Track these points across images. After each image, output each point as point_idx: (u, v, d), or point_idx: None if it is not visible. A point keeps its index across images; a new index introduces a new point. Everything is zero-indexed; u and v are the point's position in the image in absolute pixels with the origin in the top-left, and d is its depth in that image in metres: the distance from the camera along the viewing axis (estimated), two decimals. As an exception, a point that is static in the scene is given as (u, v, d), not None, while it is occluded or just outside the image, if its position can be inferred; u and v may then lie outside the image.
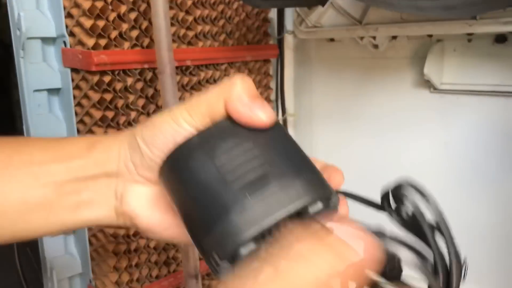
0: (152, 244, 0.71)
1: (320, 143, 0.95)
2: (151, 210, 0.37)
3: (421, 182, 0.86)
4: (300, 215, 0.29)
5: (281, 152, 0.32)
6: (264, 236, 0.28)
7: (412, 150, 0.83)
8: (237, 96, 0.32)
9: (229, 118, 0.32)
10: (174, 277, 0.74)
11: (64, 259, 0.70)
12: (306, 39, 0.88)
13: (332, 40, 0.87)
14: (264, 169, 0.30)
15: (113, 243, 0.66)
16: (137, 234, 0.68)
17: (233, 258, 0.28)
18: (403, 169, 0.85)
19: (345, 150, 0.92)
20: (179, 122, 0.34)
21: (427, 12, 0.62)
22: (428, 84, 0.79)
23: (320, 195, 0.30)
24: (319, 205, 0.30)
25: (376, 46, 0.79)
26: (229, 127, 0.32)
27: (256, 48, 0.83)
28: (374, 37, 0.77)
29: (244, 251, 0.28)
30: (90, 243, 0.68)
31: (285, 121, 0.94)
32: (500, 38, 0.72)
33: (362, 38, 0.78)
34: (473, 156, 0.78)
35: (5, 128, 0.98)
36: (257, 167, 0.30)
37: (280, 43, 0.90)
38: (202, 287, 0.65)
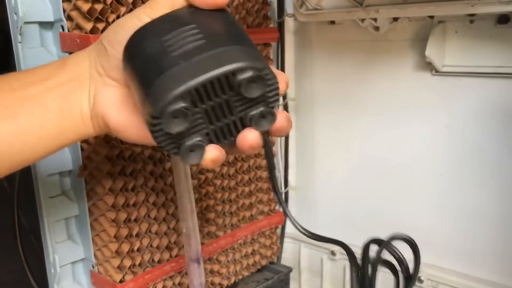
0: (154, 229, 0.71)
1: (321, 127, 0.95)
2: (119, 109, 0.41)
3: (424, 166, 0.86)
4: (230, 83, 0.32)
5: (223, 30, 0.36)
6: (195, 100, 0.32)
7: (413, 133, 0.83)
8: None
9: (186, 7, 0.37)
10: (176, 261, 0.74)
11: (66, 245, 0.70)
12: (306, 22, 0.88)
13: (332, 22, 0.86)
14: (202, 41, 0.33)
15: (114, 228, 0.66)
16: (138, 219, 0.68)
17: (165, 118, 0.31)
18: (404, 153, 0.84)
19: (346, 134, 0.91)
20: (140, 17, 0.38)
21: (429, -8, 0.61)
22: (429, 67, 0.78)
23: (250, 65, 0.32)
24: (248, 73, 0.32)
25: (377, 28, 0.78)
26: (182, 12, 0.36)
27: (256, 32, 0.82)
28: (375, 19, 0.76)
29: (172, 108, 0.31)
30: (92, 227, 0.68)
31: (285, 105, 0.93)
32: (503, 19, 0.71)
33: (363, 20, 0.77)
34: (475, 139, 0.77)
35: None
36: (196, 40, 0.33)
37: (280, 27, 0.89)
38: (204, 271, 0.65)
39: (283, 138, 0.95)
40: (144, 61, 0.34)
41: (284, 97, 0.93)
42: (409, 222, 0.85)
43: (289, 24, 0.92)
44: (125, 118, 0.41)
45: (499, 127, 0.75)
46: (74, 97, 0.41)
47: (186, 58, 0.32)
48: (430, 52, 0.74)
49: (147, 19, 0.37)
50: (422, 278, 0.83)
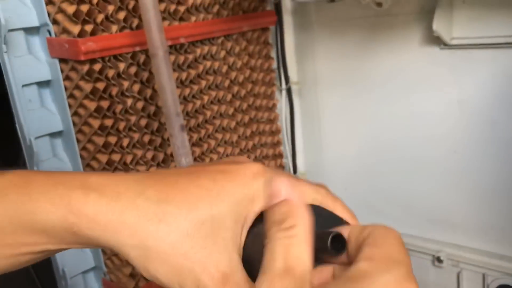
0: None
1: (326, 110, 0.92)
2: None
3: (437, 144, 0.81)
4: None
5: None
6: None
7: (424, 111, 0.80)
8: None
9: None
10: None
11: (75, 254, 0.68)
12: (304, 1, 0.83)
13: (332, 0, 0.82)
14: None
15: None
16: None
17: None
18: (415, 131, 0.81)
19: (353, 115, 0.88)
20: None
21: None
22: (437, 41, 0.74)
23: None
24: None
25: (379, 4, 0.74)
26: None
27: (253, 17, 0.78)
28: (377, -5, 0.72)
29: None
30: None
31: (289, 90, 0.90)
32: (513, -15, 0.67)
33: (364, -3, 0.73)
34: (488, 113, 0.74)
35: None
36: None
37: (278, 9, 0.85)
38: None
39: (288, 124, 0.92)
40: None
41: (287, 81, 0.89)
42: (425, 202, 0.83)
43: (287, 5, 0.87)
44: None
45: (514, 99, 0.71)
46: None
47: None
48: (438, 25, 0.70)
49: None
50: (441, 258, 0.81)
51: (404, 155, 0.84)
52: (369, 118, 0.86)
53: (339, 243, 0.24)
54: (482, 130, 0.75)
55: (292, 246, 0.24)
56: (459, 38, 0.73)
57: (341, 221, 0.27)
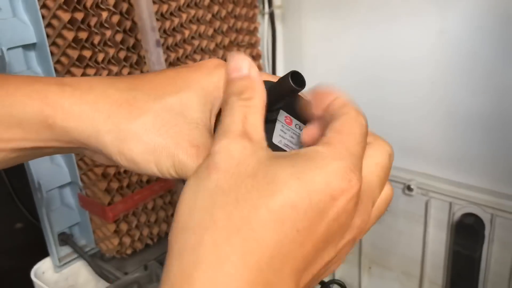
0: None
1: (310, 36, 0.90)
2: None
3: (416, 73, 0.82)
4: None
5: None
6: None
7: (405, 39, 0.79)
8: None
9: None
10: (165, 181, 0.73)
11: (50, 169, 0.69)
12: None
13: None
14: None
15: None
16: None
17: None
18: (396, 60, 0.81)
19: (336, 42, 0.87)
20: (164, 174, 0.30)
21: None
22: (424, -33, 0.73)
23: None
24: None
25: None
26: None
27: None
28: None
29: None
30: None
31: (271, 14, 0.88)
32: None
33: None
34: (470, 44, 0.74)
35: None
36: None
37: None
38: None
39: (270, 49, 0.91)
40: None
41: (270, 4, 0.87)
42: (399, 130, 0.84)
43: None
44: None
45: (495, 31, 0.71)
46: None
47: None
48: (425, -50, 0.69)
49: (172, 175, 0.30)
50: (411, 186, 0.83)
51: (383, 83, 0.84)
52: (351, 45, 0.85)
53: (299, 79, 0.28)
54: (462, 62, 0.75)
55: (250, 114, 0.25)
56: (446, -36, 0.71)
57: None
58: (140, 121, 0.28)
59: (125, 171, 0.68)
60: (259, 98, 0.26)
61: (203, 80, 0.29)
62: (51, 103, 0.28)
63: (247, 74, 0.27)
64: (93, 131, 0.28)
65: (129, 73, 0.66)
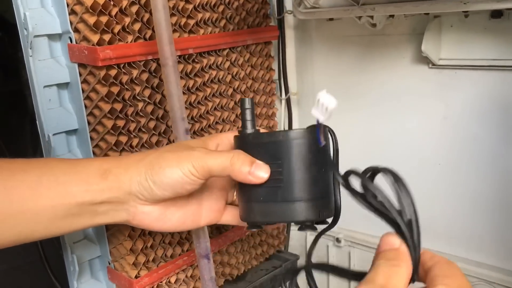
0: (165, 226, 0.74)
1: (323, 120, 0.97)
2: (156, 222, 0.52)
3: (423, 156, 0.89)
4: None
5: (300, 173, 0.48)
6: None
7: (412, 124, 0.85)
8: (239, 171, 0.46)
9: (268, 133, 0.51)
10: (187, 255, 0.78)
11: (83, 243, 0.74)
12: (306, 19, 0.89)
13: (331, 19, 0.88)
14: (282, 184, 0.47)
15: (128, 227, 0.70)
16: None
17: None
18: (405, 143, 0.87)
19: (347, 126, 0.94)
20: (187, 174, 0.47)
21: (421, -6, 0.63)
22: (426, 60, 0.80)
23: (305, 219, 0.49)
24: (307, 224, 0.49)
25: (374, 25, 0.80)
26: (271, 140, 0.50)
27: (257, 31, 0.84)
28: (371, 17, 0.78)
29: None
30: (107, 228, 0.72)
31: (288, 100, 0.96)
32: (496, 13, 0.73)
33: (360, 17, 0.79)
34: (472, 129, 0.80)
35: (16, 106, 1.02)
36: (280, 181, 0.47)
37: (281, 23, 0.91)
38: (213, 265, 0.69)
39: (286, 131, 0.98)
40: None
41: (286, 91, 0.95)
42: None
43: (289, 20, 0.94)
44: (162, 225, 0.53)
45: (495, 118, 0.77)
46: (113, 208, 0.50)
47: (268, 197, 0.48)
48: (426, 46, 0.77)
49: (194, 179, 0.47)
50: (423, 263, 0.86)
51: (393, 166, 0.89)
52: (361, 130, 0.92)
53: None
54: (465, 145, 0.81)
55: (394, 275, 0.32)
56: (446, 59, 0.79)
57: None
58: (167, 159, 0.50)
59: (152, 246, 0.73)
60: (406, 267, 0.32)
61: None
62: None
63: (397, 247, 0.33)
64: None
65: (159, 156, 0.72)
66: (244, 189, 0.50)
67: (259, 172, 0.46)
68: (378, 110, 0.89)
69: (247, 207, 0.50)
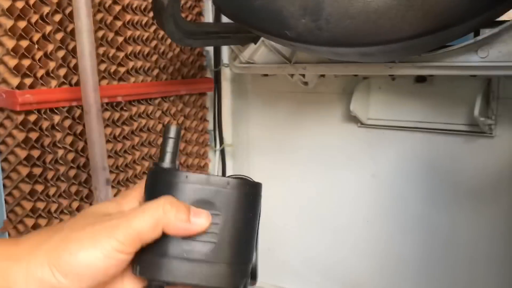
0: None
1: (257, 173, 0.97)
2: None
3: (352, 212, 0.88)
4: None
5: (232, 236, 0.40)
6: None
7: (342, 181, 0.86)
8: (175, 221, 0.35)
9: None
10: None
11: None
12: (242, 73, 0.90)
13: (266, 75, 0.90)
14: (216, 241, 0.39)
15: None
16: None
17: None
18: (334, 198, 0.87)
19: (280, 180, 0.94)
20: (111, 255, 0.33)
21: (346, 57, 0.65)
22: (355, 119, 0.82)
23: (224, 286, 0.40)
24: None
25: (306, 83, 0.82)
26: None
27: (191, 82, 0.84)
28: (303, 75, 0.80)
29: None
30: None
31: (223, 151, 0.95)
32: (420, 78, 0.76)
33: (292, 75, 0.81)
34: (399, 188, 0.81)
35: None
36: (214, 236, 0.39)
37: (218, 75, 0.91)
38: None
39: (220, 183, 0.96)
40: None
41: (221, 142, 0.95)
42: (340, 267, 0.88)
43: (226, 72, 0.94)
44: None
45: (419, 178, 0.79)
46: None
47: (192, 256, 0.39)
48: (355, 106, 0.79)
49: (121, 256, 0.34)
50: (351, 322, 0.85)
51: (323, 220, 0.89)
52: (294, 185, 0.92)
53: None
54: (393, 203, 0.82)
55: None
56: (374, 119, 0.81)
57: None
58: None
59: None
60: None
61: None
62: None
63: None
64: None
65: (79, 207, 0.69)
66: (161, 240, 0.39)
67: (200, 219, 0.36)
68: (309, 165, 0.89)
69: (158, 261, 0.39)
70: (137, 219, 0.35)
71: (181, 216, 0.35)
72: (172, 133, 0.41)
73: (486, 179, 0.73)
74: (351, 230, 0.86)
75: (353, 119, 0.83)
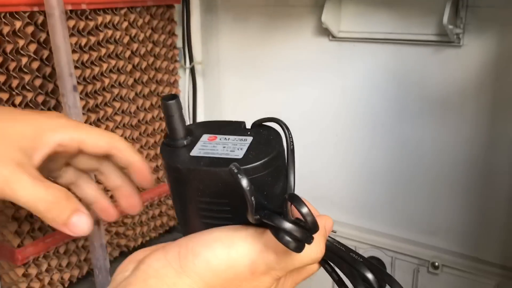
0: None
1: (227, 91, 0.97)
2: None
3: (322, 126, 0.90)
4: None
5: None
6: None
7: (312, 95, 0.87)
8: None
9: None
10: (79, 225, 0.73)
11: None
12: (210, -16, 0.88)
13: (236, -14, 0.87)
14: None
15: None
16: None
17: None
18: (305, 113, 0.88)
19: (251, 98, 0.94)
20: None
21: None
22: (327, 32, 0.82)
23: None
24: None
25: (277, -7, 0.80)
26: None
27: (159, -7, 0.81)
28: (274, -16, 0.78)
29: None
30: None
31: (192, 69, 0.94)
32: (392, -13, 0.75)
33: (263, -15, 0.79)
34: (368, 101, 0.82)
35: None
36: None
37: (185, -12, 0.88)
38: (104, 233, 0.66)
39: (190, 102, 0.96)
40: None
41: (191, 60, 0.93)
42: (309, 181, 0.90)
43: (194, -15, 0.91)
44: None
45: (390, 90, 0.80)
46: None
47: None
48: (326, 18, 0.78)
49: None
50: (320, 232, 0.89)
51: (294, 137, 0.90)
52: (265, 101, 0.92)
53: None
54: (362, 116, 0.84)
55: None
56: (345, 31, 0.81)
57: None
58: None
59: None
60: None
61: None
62: None
63: None
64: None
65: (46, 117, 0.67)
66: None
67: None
68: (280, 80, 0.89)
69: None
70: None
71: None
72: (173, 109, 0.38)
73: (453, 89, 0.75)
74: (321, 144, 0.88)
75: (324, 32, 0.82)
